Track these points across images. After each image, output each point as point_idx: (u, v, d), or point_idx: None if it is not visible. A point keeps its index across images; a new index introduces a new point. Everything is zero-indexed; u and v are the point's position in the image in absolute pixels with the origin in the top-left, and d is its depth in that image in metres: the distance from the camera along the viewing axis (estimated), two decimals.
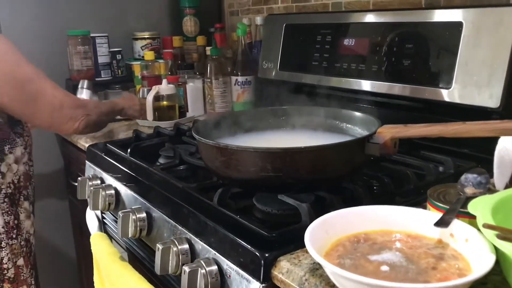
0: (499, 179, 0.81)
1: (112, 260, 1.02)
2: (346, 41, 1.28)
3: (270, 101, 1.38)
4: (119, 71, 1.74)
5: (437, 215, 0.63)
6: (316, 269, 0.64)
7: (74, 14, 1.72)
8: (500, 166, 0.81)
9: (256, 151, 0.78)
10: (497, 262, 0.54)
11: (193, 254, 0.83)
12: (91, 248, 1.15)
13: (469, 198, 0.65)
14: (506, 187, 0.78)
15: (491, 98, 0.96)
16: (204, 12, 1.89)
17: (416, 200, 0.83)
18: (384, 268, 0.56)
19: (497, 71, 0.95)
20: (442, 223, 0.60)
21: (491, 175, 0.79)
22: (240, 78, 1.56)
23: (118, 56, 1.73)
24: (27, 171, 1.21)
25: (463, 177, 0.71)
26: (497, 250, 0.54)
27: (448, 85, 1.03)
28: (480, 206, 0.59)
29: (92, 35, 1.68)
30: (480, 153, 1.00)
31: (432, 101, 1.07)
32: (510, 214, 0.59)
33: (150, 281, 0.93)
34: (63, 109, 1.11)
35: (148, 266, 1.03)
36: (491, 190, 0.70)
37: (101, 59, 1.70)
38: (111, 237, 1.18)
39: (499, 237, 0.50)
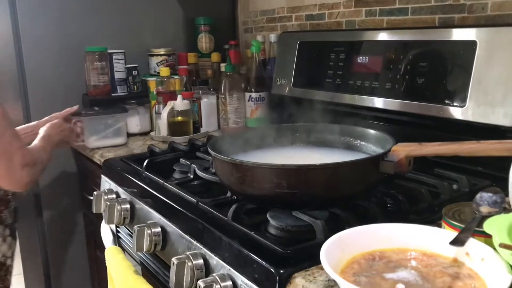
0: None
1: (127, 274, 1.03)
2: (360, 59, 1.29)
3: (283, 117, 1.39)
4: (135, 86, 1.77)
5: (453, 233, 0.63)
6: (331, 286, 0.65)
7: (92, 31, 1.75)
8: None
9: (272, 167, 0.79)
10: None
11: (207, 269, 0.84)
12: (106, 261, 1.16)
13: (485, 217, 0.65)
14: None
15: (505, 117, 0.96)
16: (219, 29, 1.92)
17: (431, 218, 0.83)
18: (400, 286, 0.56)
19: (511, 89, 0.95)
20: (457, 241, 0.60)
21: (506, 193, 0.79)
22: (253, 95, 1.58)
23: (134, 72, 1.76)
24: (2, 196, 1.23)
25: (478, 196, 0.72)
26: None
27: (462, 104, 1.04)
28: (496, 226, 0.59)
29: (109, 51, 1.71)
30: (495, 171, 1.00)
31: (446, 119, 1.08)
32: None
33: None
34: (13, 163, 1.10)
35: (162, 280, 1.04)
36: (507, 209, 0.70)
37: (118, 75, 1.73)
38: (125, 251, 1.19)
39: None
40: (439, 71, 1.09)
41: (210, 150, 0.88)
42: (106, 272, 1.16)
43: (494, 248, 0.57)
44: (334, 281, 0.58)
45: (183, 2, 1.92)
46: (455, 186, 0.99)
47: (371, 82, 1.25)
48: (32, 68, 1.68)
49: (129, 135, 1.69)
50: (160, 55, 1.80)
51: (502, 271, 0.54)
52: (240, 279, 0.75)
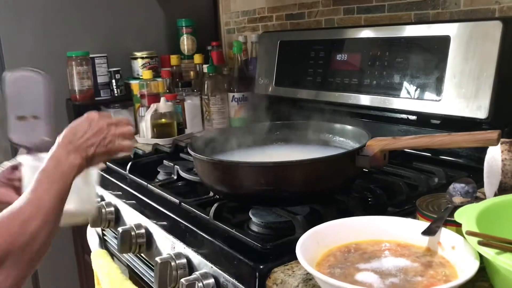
0: (488, 188, 0.82)
1: (113, 276, 1.04)
2: (339, 56, 1.30)
3: (267, 116, 1.41)
4: (118, 90, 1.77)
5: (425, 224, 0.65)
6: (309, 279, 0.66)
7: (73, 36, 1.75)
8: (489, 175, 0.82)
9: (250, 165, 0.80)
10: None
11: (191, 268, 0.85)
12: (92, 265, 1.16)
13: (457, 207, 0.67)
14: (495, 195, 0.80)
15: (479, 110, 0.98)
16: (201, 31, 1.93)
17: (409, 210, 0.85)
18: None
19: (484, 83, 0.97)
20: (429, 231, 0.62)
21: (482, 184, 0.81)
22: (236, 95, 1.59)
23: (117, 76, 1.77)
24: None
25: (451, 187, 0.74)
26: (482, 257, 0.55)
27: (438, 98, 1.06)
28: (466, 215, 0.61)
29: (91, 55, 1.71)
30: (472, 163, 1.02)
31: (423, 113, 1.10)
32: (494, 221, 0.61)
33: None
34: None
35: (148, 282, 1.05)
36: (479, 198, 0.72)
37: (100, 79, 1.74)
38: (112, 254, 1.19)
39: (481, 243, 0.52)
40: (416, 66, 1.11)
41: (189, 150, 0.89)
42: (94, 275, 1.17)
43: (464, 237, 0.59)
44: (312, 274, 0.60)
45: (164, 4, 1.93)
46: (436, 180, 1.00)
47: (350, 79, 1.26)
48: None
49: None
50: (143, 58, 1.81)
51: (471, 258, 0.56)
52: (222, 276, 0.77)
